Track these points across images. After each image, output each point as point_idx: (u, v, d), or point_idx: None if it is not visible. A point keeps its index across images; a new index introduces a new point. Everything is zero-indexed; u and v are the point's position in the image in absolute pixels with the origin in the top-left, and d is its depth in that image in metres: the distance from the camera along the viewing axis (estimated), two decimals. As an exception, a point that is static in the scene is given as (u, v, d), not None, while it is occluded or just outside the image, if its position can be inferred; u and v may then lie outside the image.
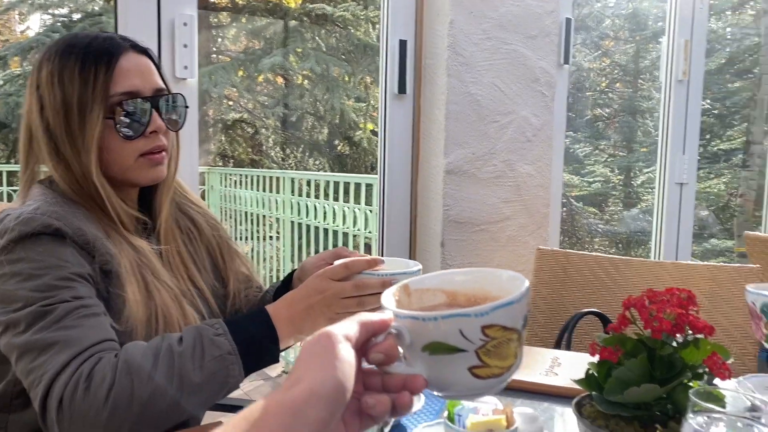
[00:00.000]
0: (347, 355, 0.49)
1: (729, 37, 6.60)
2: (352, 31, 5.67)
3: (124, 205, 0.95)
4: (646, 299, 0.80)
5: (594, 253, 1.74)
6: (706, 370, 0.77)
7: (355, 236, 3.12)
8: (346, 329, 0.51)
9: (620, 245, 6.41)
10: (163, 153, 0.97)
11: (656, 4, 6.97)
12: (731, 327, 1.57)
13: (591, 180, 7.32)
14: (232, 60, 5.94)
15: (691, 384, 0.77)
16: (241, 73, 5.99)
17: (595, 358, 0.82)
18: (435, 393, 0.56)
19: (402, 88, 1.98)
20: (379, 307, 0.56)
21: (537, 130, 2.11)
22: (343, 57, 5.72)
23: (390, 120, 2.02)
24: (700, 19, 2.70)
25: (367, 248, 3.42)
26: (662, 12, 2.74)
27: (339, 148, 6.12)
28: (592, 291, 1.70)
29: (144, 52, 0.98)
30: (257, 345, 0.85)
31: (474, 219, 2.02)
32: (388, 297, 0.59)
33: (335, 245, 3.26)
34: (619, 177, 7.60)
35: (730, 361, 0.78)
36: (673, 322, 0.77)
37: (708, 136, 6.54)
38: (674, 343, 0.79)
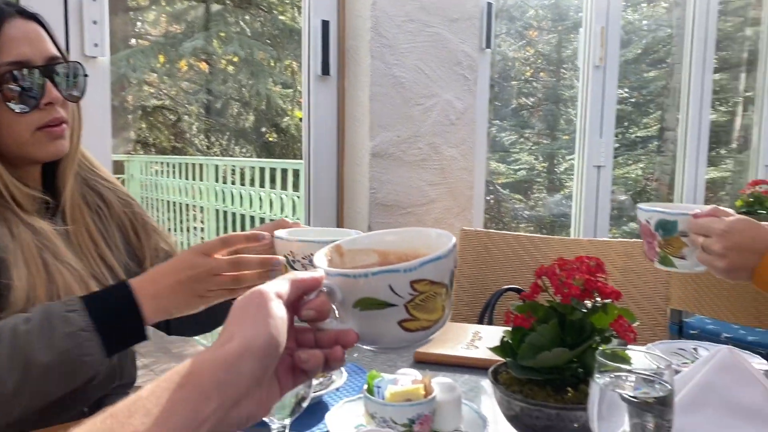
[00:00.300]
0: (279, 311, 0.49)
1: (645, 28, 6.89)
2: (277, 15, 5.56)
3: (19, 184, 0.89)
4: (556, 267, 0.82)
5: (515, 233, 1.78)
6: (614, 333, 0.80)
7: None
8: (277, 287, 0.51)
9: (544, 230, 6.60)
10: (63, 126, 0.92)
11: (577, -5, 7.18)
12: (643, 300, 1.64)
13: (517, 167, 7.50)
14: (152, 44, 5.72)
15: (600, 347, 0.80)
16: (161, 58, 5.78)
17: (510, 327, 0.84)
18: (365, 346, 0.58)
19: (326, 69, 1.96)
20: (253, 285, 0.55)
21: (460, 113, 2.13)
22: (269, 42, 5.61)
23: (315, 102, 1.99)
24: (615, 7, 2.80)
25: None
26: (582, 2, 2.83)
27: (266, 135, 6.02)
28: (513, 269, 1.74)
29: (32, 17, 0.91)
30: (117, 321, 0.80)
31: (400, 202, 2.03)
32: (320, 257, 0.60)
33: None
34: (543, 164, 7.81)
35: (635, 324, 0.82)
36: (581, 287, 0.79)
37: (626, 124, 6.81)
38: (583, 309, 0.82)
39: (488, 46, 2.28)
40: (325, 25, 1.94)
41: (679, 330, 2.46)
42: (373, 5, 1.90)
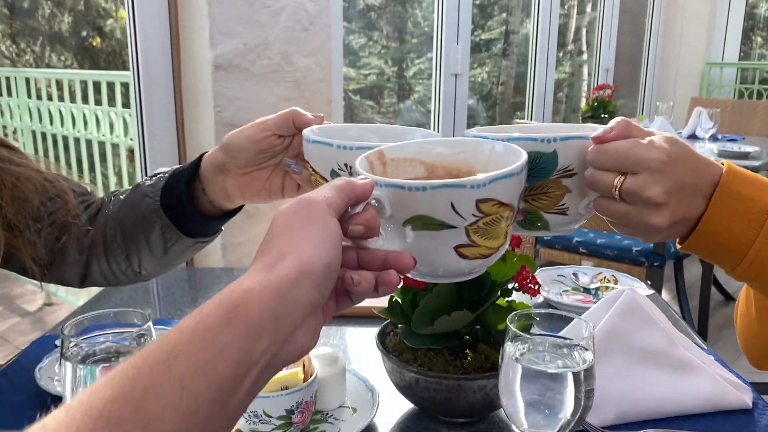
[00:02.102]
0: (334, 225, 0.42)
1: (487, -75, 6.81)
2: None
3: None
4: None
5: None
6: (515, 285, 0.70)
7: (114, 144, 2.70)
8: (327, 194, 0.43)
9: (398, 137, 6.62)
10: None
11: None
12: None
13: (367, 72, 7.35)
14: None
15: (497, 303, 0.71)
16: (-58, -57, 4.73)
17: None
18: (409, 274, 0.48)
19: (150, -36, 1.63)
20: None
21: (313, 17, 1.91)
22: (80, -72, 4.79)
23: (140, 4, 1.67)
24: None
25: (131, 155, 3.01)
26: None
27: (88, 40, 5.27)
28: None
29: None
30: None
31: (251, 120, 1.80)
32: (362, 162, 0.50)
33: (90, 156, 2.80)
34: (392, 69, 7.72)
35: (536, 273, 0.73)
36: (481, 237, 0.68)
37: (471, 27, 6.84)
38: (481, 259, 0.71)
39: (340, -61, 2.04)
40: None
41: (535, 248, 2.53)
42: None
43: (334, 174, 0.63)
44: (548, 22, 3.36)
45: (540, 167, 0.56)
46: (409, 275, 0.49)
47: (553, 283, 1.09)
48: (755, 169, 2.45)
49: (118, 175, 2.77)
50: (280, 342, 0.38)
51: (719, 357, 0.83)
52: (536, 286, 0.70)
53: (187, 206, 0.75)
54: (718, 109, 2.75)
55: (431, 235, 0.46)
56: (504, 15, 6.51)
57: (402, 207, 0.46)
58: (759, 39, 5.69)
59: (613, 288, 1.05)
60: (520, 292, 0.72)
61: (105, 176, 2.85)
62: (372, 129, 0.71)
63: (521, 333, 0.58)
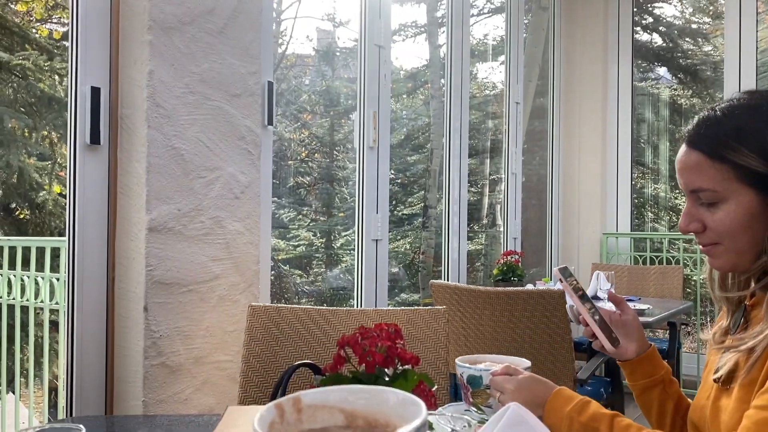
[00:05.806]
0: None
1: (405, 117, 7.62)
2: (34, 82, 5.05)
3: None
4: (358, 336, 0.82)
5: (304, 306, 1.77)
6: (415, 398, 0.81)
7: (38, 310, 2.69)
8: None
9: (325, 303, 6.72)
10: None
11: (346, 84, 7.72)
12: (426, 365, 1.71)
13: (296, 243, 7.60)
14: None
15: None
16: None
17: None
18: None
19: (95, 138, 1.80)
20: None
21: (245, 187, 2.10)
22: (23, 110, 5.05)
23: (82, 173, 1.81)
24: (384, 95, 3.05)
25: (54, 324, 2.98)
26: (352, 91, 3.04)
27: (18, 212, 5.31)
28: (305, 343, 1.72)
29: None
30: None
31: (181, 279, 1.90)
32: (267, 414, 0.48)
33: (10, 323, 2.76)
34: (321, 240, 8.03)
35: (434, 389, 0.84)
36: (384, 354, 0.80)
37: (394, 202, 7.36)
38: (386, 377, 0.82)
39: (270, 122, 2.31)
40: (95, 91, 1.80)
41: (455, 389, 2.61)
42: (150, 74, 1.82)
43: None
44: (458, 200, 3.73)
45: (476, 382, 1.15)
46: None
47: (462, 417, 1.19)
48: (649, 324, 2.69)
49: (39, 346, 2.72)
50: None
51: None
52: (433, 399, 0.80)
53: None
54: (613, 272, 3.05)
55: None
56: (423, 192, 7.07)
57: None
58: (650, 214, 6.40)
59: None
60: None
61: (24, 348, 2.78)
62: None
63: None
